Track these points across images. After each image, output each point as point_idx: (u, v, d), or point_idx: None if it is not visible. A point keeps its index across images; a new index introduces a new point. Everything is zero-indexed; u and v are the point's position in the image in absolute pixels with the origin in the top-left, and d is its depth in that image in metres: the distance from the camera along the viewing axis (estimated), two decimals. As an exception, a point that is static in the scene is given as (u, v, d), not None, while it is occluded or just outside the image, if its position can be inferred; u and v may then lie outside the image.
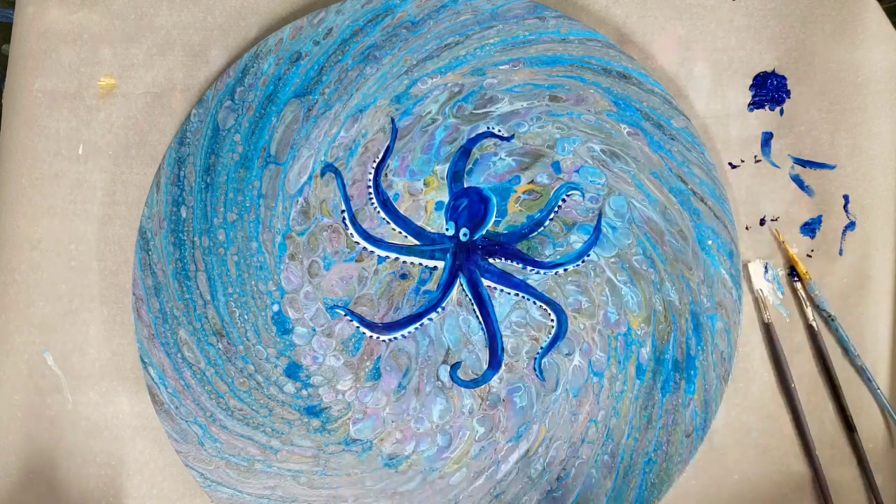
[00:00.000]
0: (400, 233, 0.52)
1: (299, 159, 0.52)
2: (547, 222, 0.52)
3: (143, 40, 0.54)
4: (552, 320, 0.52)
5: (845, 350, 0.54)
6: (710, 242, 0.51)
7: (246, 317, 0.51)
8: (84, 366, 0.53)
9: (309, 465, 0.51)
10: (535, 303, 0.52)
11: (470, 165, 0.52)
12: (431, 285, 0.52)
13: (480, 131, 0.52)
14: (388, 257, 0.52)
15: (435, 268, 0.52)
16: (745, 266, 0.54)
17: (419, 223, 0.52)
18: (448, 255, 0.52)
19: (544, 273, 0.52)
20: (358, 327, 0.52)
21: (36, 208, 0.54)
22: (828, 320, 0.54)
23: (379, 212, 0.52)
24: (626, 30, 0.55)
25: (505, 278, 0.52)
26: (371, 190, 0.52)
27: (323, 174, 0.52)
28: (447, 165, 0.52)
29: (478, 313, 0.52)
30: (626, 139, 0.52)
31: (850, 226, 0.54)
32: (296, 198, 0.52)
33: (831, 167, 0.54)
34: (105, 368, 0.53)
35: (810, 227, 0.54)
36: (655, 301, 0.52)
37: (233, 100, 0.51)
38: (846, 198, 0.54)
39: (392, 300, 0.52)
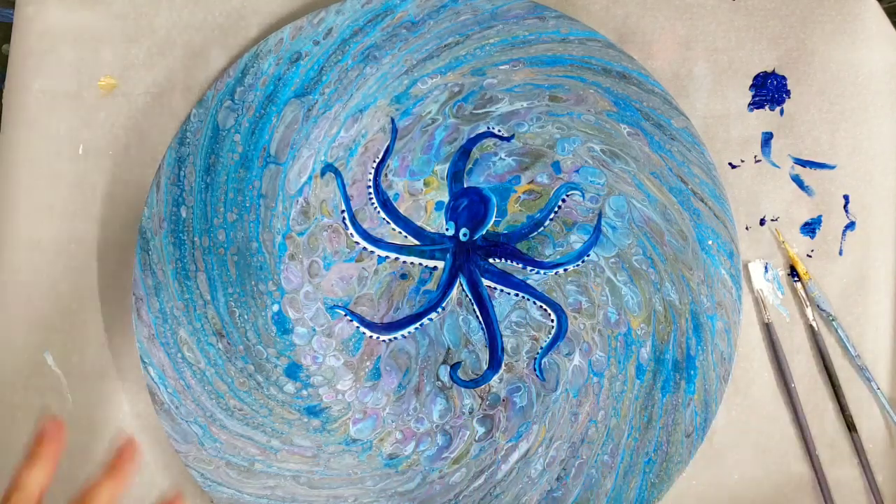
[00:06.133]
0: (400, 233, 0.52)
1: (299, 159, 0.52)
2: (547, 222, 0.52)
3: (143, 40, 0.54)
4: (552, 320, 0.52)
5: (845, 350, 0.54)
6: (710, 242, 0.51)
7: (246, 317, 0.51)
8: (84, 366, 0.53)
9: (309, 465, 0.51)
10: (535, 303, 0.52)
11: (470, 165, 0.52)
12: (431, 285, 0.52)
13: (480, 131, 0.52)
14: (388, 257, 0.52)
15: (435, 268, 0.52)
16: (745, 266, 0.54)
17: (419, 223, 0.52)
18: (448, 255, 0.52)
19: (544, 273, 0.52)
20: (358, 327, 0.52)
21: (36, 208, 0.54)
22: (828, 320, 0.54)
23: (379, 212, 0.52)
24: (626, 30, 0.55)
25: (505, 278, 0.52)
26: (371, 190, 0.52)
27: (323, 174, 0.52)
28: (447, 165, 0.52)
29: (478, 313, 0.52)
30: (626, 139, 0.52)
31: (850, 226, 0.54)
32: (296, 198, 0.52)
33: (831, 167, 0.54)
34: (105, 368, 0.53)
35: (810, 227, 0.54)
36: (655, 301, 0.52)
37: (233, 100, 0.51)
38: (846, 198, 0.54)
39: (392, 300, 0.52)
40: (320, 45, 0.52)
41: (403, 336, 0.52)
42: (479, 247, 0.52)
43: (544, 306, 0.52)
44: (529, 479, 0.51)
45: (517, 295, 0.52)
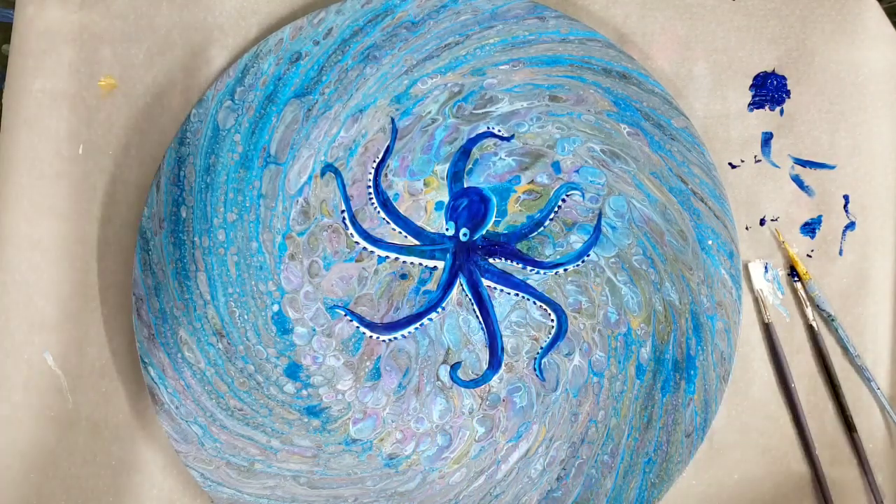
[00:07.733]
0: (400, 233, 0.52)
1: (299, 159, 0.52)
2: (547, 222, 0.52)
3: (143, 40, 0.54)
4: (552, 320, 0.52)
5: (845, 350, 0.54)
6: (710, 242, 0.51)
7: (246, 317, 0.51)
8: (84, 366, 0.53)
9: (309, 465, 0.51)
10: (535, 303, 0.52)
11: (470, 165, 0.52)
12: (431, 285, 0.52)
13: (480, 131, 0.52)
14: (388, 257, 0.52)
15: (435, 268, 0.52)
16: (745, 266, 0.54)
17: (419, 223, 0.52)
18: (448, 255, 0.52)
19: (544, 273, 0.52)
20: (358, 327, 0.52)
21: (36, 208, 0.54)
22: (828, 320, 0.54)
23: (379, 212, 0.52)
24: (626, 30, 0.55)
25: (505, 278, 0.52)
26: (371, 190, 0.52)
27: (323, 174, 0.52)
28: (447, 165, 0.52)
29: (478, 313, 0.52)
30: (626, 139, 0.52)
31: (850, 226, 0.54)
32: (296, 198, 0.52)
33: (831, 167, 0.54)
34: (105, 368, 0.53)
35: (810, 227, 0.54)
36: (655, 301, 0.52)
37: (233, 100, 0.51)
38: (846, 198, 0.54)
39: (392, 300, 0.52)
40: (320, 45, 0.52)
41: (403, 336, 0.52)
42: (479, 247, 0.52)
43: (544, 306, 0.52)
44: (529, 479, 0.51)
45: (517, 295, 0.52)
